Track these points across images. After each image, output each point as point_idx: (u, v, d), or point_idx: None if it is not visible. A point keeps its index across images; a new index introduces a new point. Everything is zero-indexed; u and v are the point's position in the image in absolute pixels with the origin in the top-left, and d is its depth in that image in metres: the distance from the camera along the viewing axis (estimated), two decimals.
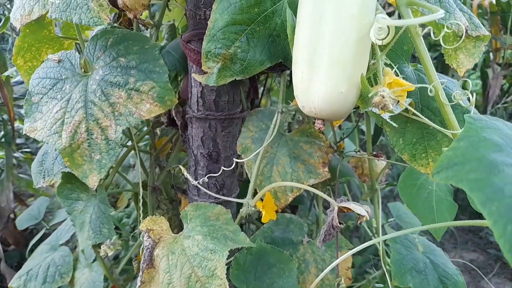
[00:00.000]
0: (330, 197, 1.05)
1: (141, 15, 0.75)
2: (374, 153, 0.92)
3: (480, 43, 0.70)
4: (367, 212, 0.63)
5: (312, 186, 0.79)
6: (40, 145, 1.78)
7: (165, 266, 0.66)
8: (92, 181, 0.68)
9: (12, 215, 2.12)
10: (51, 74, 0.72)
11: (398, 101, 0.45)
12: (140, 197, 0.91)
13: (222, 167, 0.78)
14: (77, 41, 0.94)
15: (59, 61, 0.72)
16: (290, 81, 0.58)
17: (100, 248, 0.86)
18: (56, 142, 0.68)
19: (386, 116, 0.56)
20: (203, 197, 0.88)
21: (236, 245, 0.66)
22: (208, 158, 0.86)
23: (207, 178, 0.81)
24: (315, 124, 0.49)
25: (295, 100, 0.53)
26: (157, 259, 0.67)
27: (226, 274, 0.64)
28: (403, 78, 0.58)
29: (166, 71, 0.68)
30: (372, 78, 0.54)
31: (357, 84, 0.47)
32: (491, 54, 2.82)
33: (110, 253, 0.85)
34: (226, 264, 0.64)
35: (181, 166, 0.80)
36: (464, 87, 0.62)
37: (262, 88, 1.16)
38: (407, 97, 0.53)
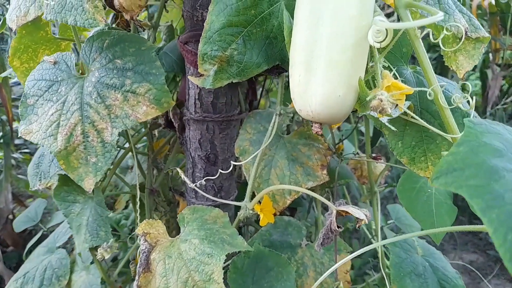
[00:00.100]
0: (329, 199, 1.05)
1: (137, 16, 0.75)
2: (373, 155, 0.91)
3: (479, 44, 0.69)
4: (366, 215, 0.62)
5: (311, 188, 0.79)
6: (39, 146, 1.77)
7: (162, 270, 0.65)
8: (88, 184, 0.68)
9: (10, 216, 2.11)
10: (46, 76, 0.71)
11: (397, 105, 0.44)
12: (138, 199, 0.90)
13: (220, 170, 0.77)
14: (75, 42, 0.93)
15: (54, 63, 0.71)
16: (288, 82, 0.58)
17: (97, 251, 0.85)
18: (52, 145, 0.67)
19: (384, 119, 0.55)
20: (201, 200, 0.87)
21: (233, 249, 0.66)
22: (206, 160, 0.85)
23: (205, 180, 0.80)
24: (313, 128, 0.48)
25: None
26: (154, 263, 0.67)
27: (223, 277, 0.63)
28: (402, 80, 0.57)
29: (162, 73, 0.68)
30: (370, 80, 0.53)
31: (355, 87, 0.46)
32: (490, 54, 2.82)
33: (107, 256, 0.84)
34: (223, 268, 0.63)
35: (178, 169, 0.79)
36: (463, 89, 0.62)
37: (261, 89, 1.15)
38: (406, 100, 0.53)
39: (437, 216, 0.74)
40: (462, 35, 0.63)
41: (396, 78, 0.50)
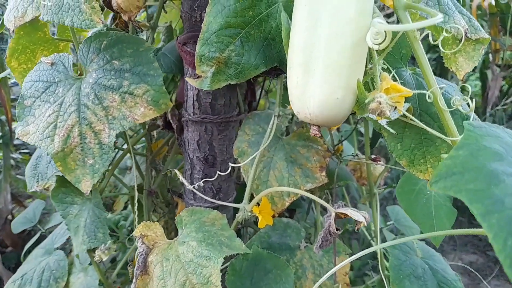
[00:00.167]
0: (329, 200, 1.04)
1: (136, 17, 0.74)
2: (373, 156, 0.90)
3: (479, 46, 0.69)
4: (365, 217, 0.62)
5: (310, 190, 0.78)
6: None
7: (159, 272, 0.65)
8: (85, 186, 0.67)
9: (10, 217, 2.11)
10: (43, 77, 0.70)
11: (396, 107, 0.43)
12: (136, 201, 0.90)
13: (218, 172, 0.77)
14: (73, 43, 0.93)
15: (52, 64, 0.71)
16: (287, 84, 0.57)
17: (95, 252, 0.84)
18: (49, 147, 0.67)
19: (383, 122, 0.55)
20: (199, 201, 0.87)
21: (231, 252, 0.65)
22: (204, 161, 0.84)
23: (203, 182, 0.80)
24: (311, 131, 0.48)
25: None
26: (151, 265, 0.66)
27: (221, 280, 0.63)
28: (401, 82, 0.57)
29: (160, 74, 0.67)
30: (370, 82, 0.53)
31: (353, 89, 0.45)
32: (490, 55, 2.82)
33: (105, 258, 0.84)
34: (222, 270, 0.63)
35: (176, 170, 0.78)
36: (463, 90, 0.61)
37: (260, 90, 1.15)
38: (405, 101, 0.52)
39: (437, 219, 0.74)
40: (462, 37, 0.62)
41: (395, 80, 0.50)
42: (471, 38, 0.67)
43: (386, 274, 0.88)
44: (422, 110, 0.60)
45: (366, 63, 0.49)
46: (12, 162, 2.32)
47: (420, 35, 0.46)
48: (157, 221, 1.12)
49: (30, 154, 2.47)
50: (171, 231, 1.14)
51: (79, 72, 0.73)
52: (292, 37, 0.49)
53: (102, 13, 1.17)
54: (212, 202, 0.82)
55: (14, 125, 2.03)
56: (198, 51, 0.54)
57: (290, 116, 0.77)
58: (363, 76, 0.48)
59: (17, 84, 2.05)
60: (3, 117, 2.07)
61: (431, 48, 2.48)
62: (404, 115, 0.54)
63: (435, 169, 0.36)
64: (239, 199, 0.77)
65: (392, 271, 0.77)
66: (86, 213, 0.87)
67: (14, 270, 1.06)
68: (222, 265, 0.63)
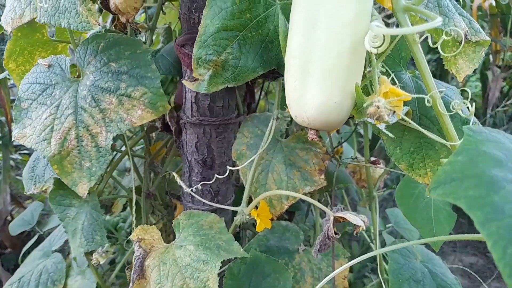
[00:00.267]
0: (328, 203, 1.04)
1: (133, 18, 0.74)
2: (372, 159, 0.90)
3: (480, 48, 0.68)
4: (364, 221, 0.61)
5: (309, 192, 0.78)
6: None
7: (156, 277, 0.64)
8: (82, 189, 0.67)
9: (9, 218, 2.10)
10: (40, 79, 0.70)
11: (394, 111, 0.43)
12: (134, 203, 0.89)
13: (216, 175, 0.76)
14: (71, 44, 0.92)
15: (49, 66, 0.70)
16: None
17: (92, 255, 0.84)
18: (45, 149, 0.66)
19: (382, 126, 0.54)
20: (198, 204, 0.86)
21: (229, 256, 0.65)
22: (203, 164, 0.84)
23: (201, 185, 0.79)
24: (308, 135, 0.47)
25: None
26: (148, 269, 0.66)
27: (219, 284, 0.62)
28: (401, 86, 0.57)
29: (158, 77, 0.67)
30: (369, 85, 0.52)
31: (351, 93, 0.45)
32: (491, 56, 2.81)
33: (102, 261, 0.83)
34: (220, 273, 0.62)
35: (174, 173, 0.78)
36: (464, 91, 0.61)
37: (260, 91, 1.14)
38: (404, 105, 0.52)
39: (436, 223, 0.73)
40: (462, 39, 0.62)
41: (394, 83, 0.49)
42: (471, 40, 0.66)
43: (385, 277, 0.87)
44: (421, 113, 0.60)
45: (364, 66, 0.48)
46: (11, 163, 2.32)
47: (420, 38, 0.45)
48: (155, 223, 1.12)
49: (30, 155, 2.46)
50: (170, 234, 1.13)
51: (78, 73, 0.73)
52: (289, 40, 0.48)
53: (100, 15, 1.17)
54: (210, 205, 0.81)
55: (13, 126, 2.02)
56: (195, 54, 0.54)
57: (289, 119, 0.76)
58: (362, 80, 0.48)
59: None
60: (3, 118, 2.07)
61: (431, 49, 2.48)
62: (403, 119, 0.53)
63: (434, 175, 0.36)
64: (237, 202, 0.77)
65: (391, 275, 0.76)
66: (83, 215, 0.86)
67: (13, 272, 1.05)
68: (220, 269, 0.63)
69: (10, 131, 2.01)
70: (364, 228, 0.60)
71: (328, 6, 0.43)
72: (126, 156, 1.00)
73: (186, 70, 0.78)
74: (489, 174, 0.33)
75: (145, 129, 1.01)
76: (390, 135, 0.53)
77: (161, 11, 0.87)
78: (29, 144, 0.68)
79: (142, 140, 1.11)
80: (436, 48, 0.45)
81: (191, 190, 0.77)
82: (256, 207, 0.72)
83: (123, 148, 1.12)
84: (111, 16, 0.99)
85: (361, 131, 1.50)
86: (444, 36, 0.44)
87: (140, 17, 1.48)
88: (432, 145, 0.59)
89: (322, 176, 0.77)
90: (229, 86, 0.56)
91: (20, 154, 2.46)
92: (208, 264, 0.62)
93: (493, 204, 0.30)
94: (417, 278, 0.77)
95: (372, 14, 0.45)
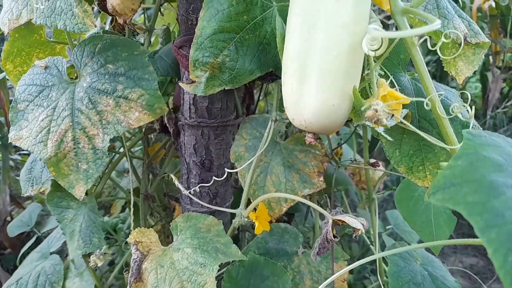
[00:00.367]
0: (327, 205, 1.03)
1: (131, 20, 0.73)
2: (373, 161, 0.89)
3: (479, 50, 0.68)
4: (363, 224, 0.61)
5: (308, 194, 0.77)
6: None
7: (154, 280, 0.64)
8: (79, 192, 0.66)
9: (8, 218, 2.10)
10: (37, 80, 0.69)
11: (393, 115, 0.42)
12: (132, 205, 0.88)
13: (214, 177, 0.76)
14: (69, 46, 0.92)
15: (45, 68, 0.70)
16: None
17: (90, 257, 0.83)
18: (42, 152, 0.66)
19: (380, 129, 0.54)
20: (196, 206, 0.86)
21: (227, 259, 0.64)
22: (201, 166, 0.83)
23: (199, 187, 0.79)
24: (306, 138, 0.47)
25: None
26: (146, 272, 0.65)
27: (217, 287, 0.62)
28: (399, 88, 0.56)
29: (155, 78, 0.66)
30: (367, 87, 0.52)
31: (349, 96, 0.44)
32: (490, 57, 2.81)
33: (100, 264, 0.83)
34: (218, 276, 0.62)
35: (172, 175, 0.77)
36: (464, 92, 0.60)
37: (259, 92, 1.14)
38: (403, 107, 0.51)
39: (436, 226, 0.73)
40: (462, 41, 0.61)
41: (393, 86, 0.49)
42: (471, 42, 0.66)
43: (385, 280, 0.87)
44: (420, 116, 0.59)
45: (363, 69, 0.48)
46: (11, 163, 2.31)
47: (419, 40, 0.45)
48: (154, 225, 1.11)
49: (30, 155, 2.46)
50: (168, 235, 1.12)
51: (76, 75, 0.72)
52: (287, 42, 0.47)
53: (99, 16, 1.17)
54: (208, 207, 0.80)
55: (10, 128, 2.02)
56: (191, 56, 0.53)
57: (288, 121, 0.75)
58: (360, 82, 0.47)
59: None
60: (2, 119, 2.06)
61: (431, 50, 2.47)
62: (402, 122, 0.52)
63: (433, 180, 0.35)
64: (236, 204, 0.76)
65: (391, 278, 0.75)
66: (81, 217, 0.86)
67: (12, 272, 1.05)
68: (218, 271, 0.62)
69: (9, 132, 2.01)
70: (363, 231, 0.59)
71: (326, 8, 0.43)
72: (125, 157, 1.00)
73: (184, 71, 0.78)
74: (489, 179, 0.32)
75: (144, 130, 1.01)
76: (389, 138, 0.52)
77: (159, 12, 0.86)
78: (26, 146, 0.67)
79: (140, 141, 1.10)
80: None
81: (189, 192, 0.77)
82: (255, 209, 0.72)
83: (122, 149, 1.12)
84: (110, 17, 0.99)
85: (361, 132, 1.50)
86: (443, 39, 0.43)
87: (139, 18, 1.48)
88: (431, 148, 0.58)
89: (321, 178, 0.76)
90: (226, 88, 0.56)
91: (19, 154, 2.45)
92: (206, 267, 0.62)
93: (493, 210, 0.30)
94: (417, 281, 0.77)
95: (370, 16, 0.45)
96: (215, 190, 0.86)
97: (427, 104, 0.43)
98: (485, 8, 2.52)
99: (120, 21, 0.72)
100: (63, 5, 0.58)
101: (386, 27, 1.24)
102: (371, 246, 1.11)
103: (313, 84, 0.44)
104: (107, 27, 1.10)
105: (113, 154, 1.03)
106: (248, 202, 0.73)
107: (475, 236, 0.32)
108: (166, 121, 0.88)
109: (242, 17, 0.53)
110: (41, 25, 0.62)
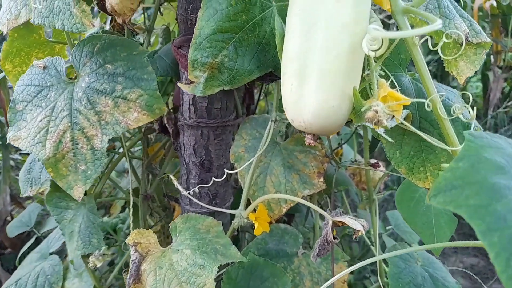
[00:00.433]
0: (327, 205, 1.03)
1: (130, 19, 0.73)
2: (373, 162, 0.89)
3: (481, 50, 0.67)
4: (363, 226, 0.60)
5: (308, 195, 0.77)
6: None
7: (152, 281, 0.63)
8: (77, 193, 0.66)
9: (9, 218, 2.10)
10: (35, 81, 0.69)
11: (394, 116, 0.42)
12: (131, 205, 0.88)
13: (214, 177, 0.76)
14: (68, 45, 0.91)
15: (44, 68, 0.70)
16: None
17: (89, 258, 0.83)
18: (40, 152, 0.65)
19: (380, 130, 0.53)
20: (196, 207, 0.85)
21: (226, 260, 0.64)
22: (200, 166, 0.83)
23: (199, 187, 0.78)
24: (305, 139, 0.46)
25: None
26: (144, 274, 0.65)
27: None
28: (400, 89, 0.55)
29: (154, 79, 0.66)
30: (368, 88, 0.51)
31: (349, 97, 0.44)
32: (492, 57, 2.80)
33: (99, 265, 0.82)
34: (217, 277, 0.62)
35: (172, 176, 0.77)
36: (464, 92, 0.60)
37: (259, 92, 1.13)
38: (404, 108, 0.51)
39: (437, 228, 0.72)
40: (463, 41, 0.61)
41: (393, 86, 0.48)
42: (472, 42, 0.65)
43: (385, 281, 0.86)
44: (421, 116, 0.59)
45: (363, 69, 0.47)
46: (11, 163, 2.31)
47: (420, 40, 0.44)
48: (153, 225, 1.11)
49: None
50: (168, 236, 1.12)
51: (75, 75, 0.72)
52: (286, 43, 0.47)
53: (98, 16, 1.16)
54: (208, 208, 0.80)
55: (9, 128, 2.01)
56: (190, 56, 0.53)
57: (288, 121, 0.75)
58: (360, 83, 0.47)
59: None
60: (2, 118, 2.06)
61: (432, 50, 2.46)
62: (402, 123, 0.52)
63: (434, 182, 0.35)
64: (236, 204, 0.76)
65: (391, 279, 0.75)
66: (80, 218, 0.85)
67: (13, 272, 1.04)
68: (217, 273, 0.62)
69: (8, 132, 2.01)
70: (363, 232, 0.59)
71: (326, 8, 0.42)
72: (124, 158, 1.00)
73: (183, 71, 0.77)
74: (491, 181, 0.32)
75: (143, 130, 1.00)
76: (389, 139, 0.51)
77: (158, 12, 0.86)
78: (24, 146, 0.67)
79: (140, 141, 1.10)
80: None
81: (189, 193, 0.76)
82: (255, 210, 0.72)
83: (121, 150, 1.12)
84: (109, 17, 0.98)
85: (362, 132, 1.49)
86: (444, 39, 0.43)
87: (140, 18, 1.48)
88: (432, 149, 0.58)
89: (321, 179, 0.76)
90: (225, 88, 0.55)
91: (20, 154, 2.45)
92: (205, 268, 0.62)
93: (495, 213, 0.29)
94: (417, 282, 0.76)
95: (370, 16, 0.44)
96: (215, 191, 0.86)
97: (428, 105, 0.43)
98: (486, 7, 2.52)
99: (119, 20, 0.72)
100: (61, 5, 0.58)
101: (386, 26, 1.23)
102: (371, 246, 1.11)
103: (312, 85, 0.43)
104: (107, 27, 1.09)
105: (113, 154, 1.03)
106: (248, 203, 0.73)
107: (476, 236, 0.32)
108: (165, 121, 0.88)
109: (241, 17, 0.52)
110: (39, 25, 0.62)
